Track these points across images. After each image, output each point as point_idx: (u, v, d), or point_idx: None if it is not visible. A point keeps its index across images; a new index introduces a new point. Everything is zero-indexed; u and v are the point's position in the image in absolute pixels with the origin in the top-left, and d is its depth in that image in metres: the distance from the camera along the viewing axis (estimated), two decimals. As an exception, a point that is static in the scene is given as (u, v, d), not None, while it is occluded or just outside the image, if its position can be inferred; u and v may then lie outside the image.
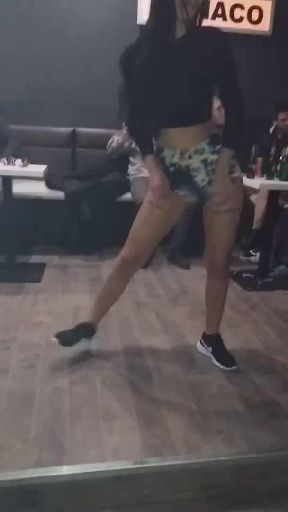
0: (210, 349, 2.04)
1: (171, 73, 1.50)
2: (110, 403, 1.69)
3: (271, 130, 3.72)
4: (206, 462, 1.44)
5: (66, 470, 1.36)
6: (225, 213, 1.73)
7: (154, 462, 1.42)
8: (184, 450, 1.47)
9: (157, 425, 1.58)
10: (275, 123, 3.66)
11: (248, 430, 1.58)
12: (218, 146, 1.65)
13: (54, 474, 1.35)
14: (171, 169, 1.68)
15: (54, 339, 1.91)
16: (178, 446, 1.48)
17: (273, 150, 3.00)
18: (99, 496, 1.37)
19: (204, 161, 1.64)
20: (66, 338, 1.93)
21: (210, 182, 1.67)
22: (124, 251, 1.84)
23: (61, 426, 1.55)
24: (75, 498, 1.35)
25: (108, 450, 1.45)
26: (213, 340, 2.04)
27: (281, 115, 3.59)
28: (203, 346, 2.08)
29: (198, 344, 2.11)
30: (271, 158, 3.00)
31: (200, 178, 1.67)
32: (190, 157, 1.64)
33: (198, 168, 1.65)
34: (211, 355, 2.03)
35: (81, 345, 1.97)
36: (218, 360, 1.99)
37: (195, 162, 1.64)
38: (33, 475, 1.34)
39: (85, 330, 1.97)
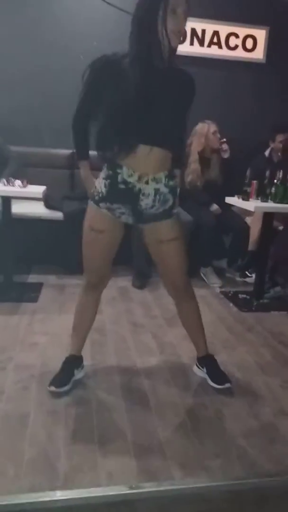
0: (205, 369, 2.04)
1: (153, 95, 1.60)
2: (105, 426, 1.68)
3: (267, 153, 3.79)
4: (202, 488, 1.42)
5: (60, 495, 1.34)
6: (168, 242, 1.80)
7: (149, 487, 1.40)
8: (180, 475, 1.45)
9: (152, 449, 1.56)
10: (272, 145, 3.74)
11: (245, 455, 1.56)
12: (172, 182, 1.75)
13: (48, 499, 1.33)
14: (121, 186, 1.70)
15: (52, 388, 1.85)
16: (174, 470, 1.47)
17: (267, 173, 3.06)
18: (94, 522, 1.35)
19: (156, 190, 1.72)
20: (62, 381, 1.88)
21: (152, 207, 1.74)
22: (85, 278, 1.91)
23: (55, 449, 1.53)
24: (69, 524, 1.33)
25: (103, 475, 1.43)
26: (206, 360, 2.04)
27: (279, 137, 3.66)
28: (199, 368, 2.07)
29: (195, 367, 2.10)
30: (265, 181, 3.05)
31: (145, 203, 1.73)
32: (146, 182, 1.70)
33: (148, 194, 1.71)
34: (206, 376, 2.02)
35: (77, 377, 1.96)
36: (211, 379, 1.98)
37: (149, 188, 1.71)
38: (27, 500, 1.32)
39: (73, 363, 1.96)
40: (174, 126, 1.70)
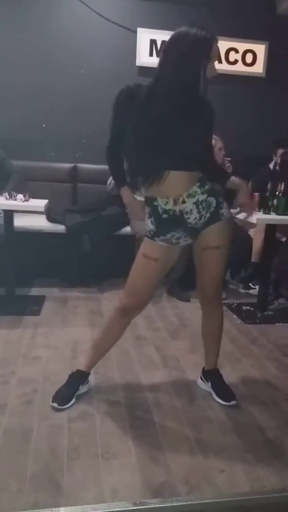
0: (210, 384, 2.02)
1: (182, 124, 1.63)
2: (109, 440, 1.66)
3: (271, 165, 3.81)
4: (207, 504, 1.40)
5: (64, 511, 1.32)
6: (211, 249, 1.80)
7: (154, 504, 1.38)
8: (185, 490, 1.43)
9: (157, 464, 1.54)
10: (275, 159, 3.76)
11: (250, 470, 1.54)
12: (207, 186, 1.74)
13: (51, 516, 1.31)
14: (165, 216, 1.73)
15: (55, 405, 1.82)
16: (179, 486, 1.45)
17: (269, 186, 3.07)
18: (98, 539, 1.33)
19: (196, 203, 1.72)
20: (65, 398, 1.86)
21: (201, 218, 1.75)
22: (125, 300, 1.86)
23: (58, 465, 1.51)
24: None
25: (107, 491, 1.41)
26: (212, 374, 2.03)
27: (279, 152, 3.69)
28: (203, 381, 2.06)
29: (199, 380, 2.08)
30: (267, 193, 3.06)
31: (193, 217, 1.74)
32: (183, 202, 1.71)
33: (191, 210, 1.72)
34: (211, 390, 2.00)
35: (81, 392, 1.94)
36: (217, 395, 1.97)
37: (188, 205, 1.72)
38: (30, 517, 1.30)
39: (80, 379, 1.94)
40: (198, 149, 1.69)
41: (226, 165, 3.55)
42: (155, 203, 1.73)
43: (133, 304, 1.86)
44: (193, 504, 1.39)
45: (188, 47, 1.57)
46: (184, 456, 1.59)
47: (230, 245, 1.86)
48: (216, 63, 1.66)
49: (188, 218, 1.73)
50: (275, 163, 3.77)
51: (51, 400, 1.85)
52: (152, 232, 1.78)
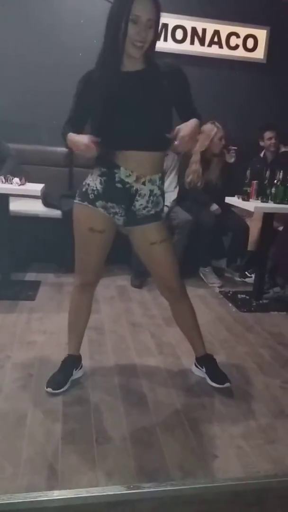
0: (204, 369, 2.03)
1: (127, 99, 1.62)
2: (104, 425, 1.67)
3: (262, 154, 3.79)
4: (201, 488, 1.41)
5: (57, 494, 1.33)
6: (160, 243, 1.81)
7: (148, 488, 1.39)
8: (178, 475, 1.44)
9: (151, 449, 1.55)
10: (262, 144, 3.74)
11: (243, 456, 1.56)
12: (163, 186, 1.81)
13: (45, 498, 1.32)
14: (119, 185, 1.71)
15: (49, 390, 1.83)
16: (172, 471, 1.46)
17: (267, 174, 3.05)
18: (92, 522, 1.34)
19: (151, 192, 1.75)
20: (59, 382, 1.87)
21: (145, 208, 1.76)
22: (78, 279, 1.89)
23: (53, 449, 1.52)
24: (66, 524, 1.32)
25: (101, 475, 1.42)
26: (204, 360, 2.03)
27: (267, 134, 3.67)
28: (197, 367, 2.07)
29: (193, 367, 2.10)
30: (265, 182, 3.04)
31: (140, 203, 1.75)
32: (143, 183, 1.72)
33: (144, 195, 1.74)
34: (205, 375, 2.01)
35: (75, 377, 1.95)
36: (211, 379, 1.98)
37: (145, 189, 1.73)
38: (24, 500, 1.30)
39: (72, 363, 1.95)
40: (161, 125, 1.66)
41: (232, 153, 3.49)
42: (116, 170, 1.69)
43: (88, 281, 1.89)
44: (187, 489, 1.41)
45: (110, 11, 1.58)
46: (178, 442, 1.61)
47: (171, 239, 1.93)
48: (142, 27, 1.54)
49: (137, 200, 1.73)
50: (264, 149, 3.76)
51: (45, 385, 1.85)
52: (95, 193, 1.72)
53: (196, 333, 2.01)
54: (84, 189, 1.76)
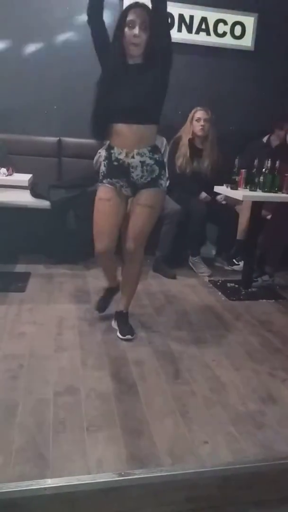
0: (116, 322, 2.34)
1: (123, 81, 2.03)
2: (94, 414, 1.67)
3: (265, 139, 3.75)
4: (191, 474, 1.43)
5: (49, 483, 1.34)
6: (143, 206, 2.13)
7: (139, 474, 1.40)
8: (169, 461, 1.46)
9: (142, 436, 1.57)
10: (277, 132, 3.68)
11: (233, 441, 1.58)
12: (156, 156, 2.12)
13: (37, 487, 1.32)
14: (115, 163, 2.10)
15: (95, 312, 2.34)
16: (163, 457, 1.47)
17: (256, 162, 3.05)
18: (84, 509, 1.35)
19: (142, 162, 2.09)
20: (102, 306, 2.46)
21: (142, 177, 2.11)
22: (96, 249, 2.19)
23: (44, 438, 1.52)
24: (58, 511, 1.33)
25: (93, 462, 1.43)
26: (118, 315, 2.35)
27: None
28: (114, 321, 2.37)
29: (113, 321, 2.38)
30: (254, 170, 3.04)
31: (136, 174, 2.10)
32: (133, 157, 2.07)
33: (136, 167, 2.09)
34: (117, 328, 2.31)
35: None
36: (119, 332, 2.29)
37: (136, 161, 2.08)
38: (16, 488, 1.31)
39: (113, 291, 2.46)
40: (148, 103, 2.03)
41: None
42: (112, 151, 2.10)
43: (101, 249, 2.18)
44: (177, 475, 1.43)
45: (117, 19, 2.02)
46: (168, 429, 1.62)
47: (159, 213, 2.24)
48: (136, 29, 1.94)
49: (133, 172, 2.09)
50: (270, 136, 3.70)
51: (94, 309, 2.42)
52: (103, 173, 2.16)
53: (129, 293, 2.35)
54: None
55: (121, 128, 2.04)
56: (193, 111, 3.49)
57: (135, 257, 2.23)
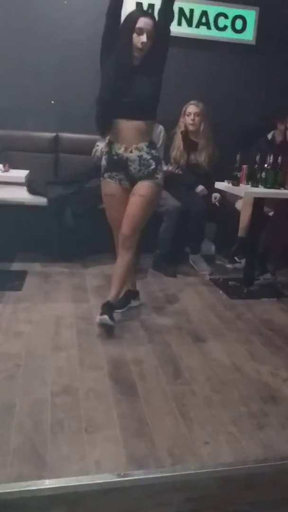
0: (101, 311, 2.32)
1: (124, 80, 2.19)
2: (93, 414, 1.64)
3: (269, 135, 3.71)
4: (191, 475, 1.41)
5: (47, 483, 1.31)
6: (139, 196, 2.27)
7: (138, 475, 1.38)
8: (169, 462, 1.43)
9: (141, 437, 1.54)
10: (280, 127, 3.59)
11: (234, 441, 1.55)
12: (153, 151, 2.30)
13: (35, 488, 1.30)
14: (115, 157, 2.29)
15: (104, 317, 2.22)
16: (163, 458, 1.45)
17: (257, 158, 3.01)
18: (82, 510, 1.33)
19: (140, 157, 2.27)
20: (119, 305, 2.44)
21: (139, 171, 2.28)
22: (122, 234, 2.31)
23: (42, 438, 1.50)
24: (56, 513, 1.30)
25: (91, 463, 1.40)
26: (105, 305, 2.31)
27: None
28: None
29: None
30: (255, 166, 3.00)
31: (133, 167, 2.28)
32: (131, 152, 2.26)
33: (134, 160, 2.27)
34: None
35: (133, 305, 2.58)
36: (98, 314, 2.28)
37: (134, 156, 2.26)
38: (13, 489, 1.29)
39: (131, 295, 2.59)
40: (149, 99, 2.22)
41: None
42: (112, 146, 2.29)
43: (124, 231, 2.31)
44: (177, 475, 1.40)
45: (122, 23, 2.21)
46: (168, 429, 1.59)
47: (154, 204, 2.38)
48: (144, 36, 2.14)
49: (131, 165, 2.27)
50: (274, 132, 3.66)
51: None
52: (104, 167, 2.35)
53: (119, 282, 2.36)
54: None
55: (121, 124, 2.21)
56: (185, 105, 3.50)
57: (126, 244, 2.31)
